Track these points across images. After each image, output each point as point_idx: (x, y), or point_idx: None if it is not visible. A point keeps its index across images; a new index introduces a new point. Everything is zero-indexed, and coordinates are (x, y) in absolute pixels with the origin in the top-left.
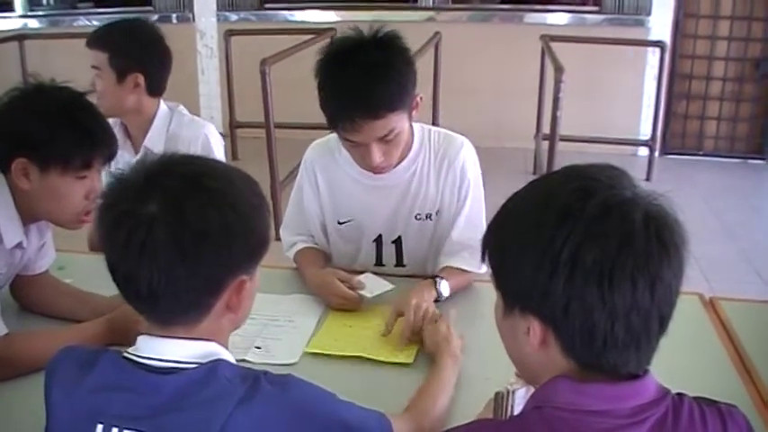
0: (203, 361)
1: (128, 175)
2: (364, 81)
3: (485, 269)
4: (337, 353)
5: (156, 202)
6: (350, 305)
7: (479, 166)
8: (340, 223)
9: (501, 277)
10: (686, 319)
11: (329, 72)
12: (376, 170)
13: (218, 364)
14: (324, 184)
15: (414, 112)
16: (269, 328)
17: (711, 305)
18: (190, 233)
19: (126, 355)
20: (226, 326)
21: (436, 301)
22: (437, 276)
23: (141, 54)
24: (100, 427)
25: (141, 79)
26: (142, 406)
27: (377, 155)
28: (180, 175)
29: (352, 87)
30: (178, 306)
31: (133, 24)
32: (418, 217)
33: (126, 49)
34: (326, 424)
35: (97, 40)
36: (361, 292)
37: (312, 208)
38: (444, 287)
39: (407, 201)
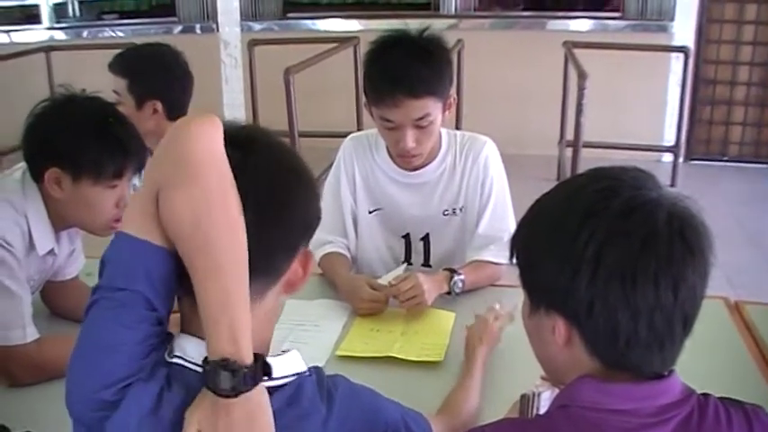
0: (290, 374)
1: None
2: (409, 63)
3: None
4: (368, 355)
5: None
6: (377, 308)
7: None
8: (370, 212)
9: (527, 276)
10: (711, 322)
11: (377, 55)
12: (407, 156)
13: (304, 380)
14: (359, 173)
15: (447, 112)
16: (295, 332)
17: (736, 308)
18: (287, 175)
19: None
20: (277, 310)
21: (448, 294)
22: (456, 272)
23: (160, 82)
24: None
25: (159, 106)
26: None
27: (410, 139)
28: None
29: (398, 67)
30: (260, 262)
31: (154, 50)
32: (446, 213)
33: (145, 76)
34: (391, 424)
35: (118, 65)
36: (380, 281)
37: (346, 195)
38: (459, 284)
39: (436, 198)
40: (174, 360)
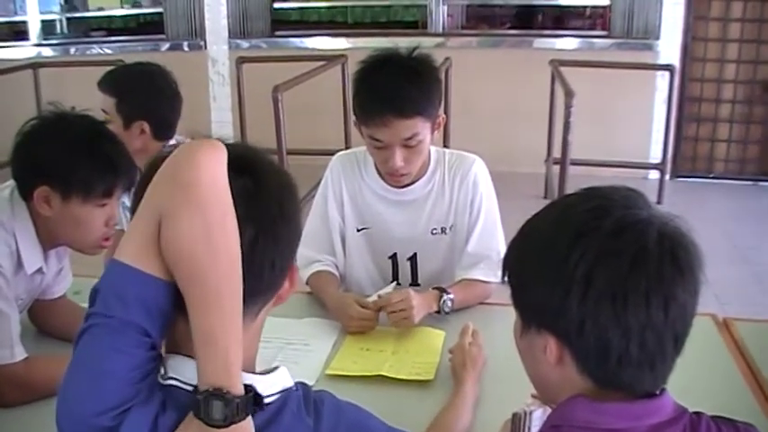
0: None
1: None
2: (398, 83)
3: (500, 279)
4: (358, 374)
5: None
6: (367, 326)
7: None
8: (358, 230)
9: (518, 295)
10: (700, 339)
11: (366, 74)
12: (396, 174)
13: (289, 394)
14: (347, 191)
15: (435, 132)
16: (285, 351)
17: (725, 326)
18: (290, 195)
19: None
20: (263, 323)
21: (437, 313)
22: (445, 291)
23: (148, 102)
24: None
25: (147, 127)
26: None
27: (399, 158)
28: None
29: (388, 87)
30: (259, 283)
31: (143, 70)
32: (434, 232)
33: (133, 96)
34: None
35: (107, 83)
36: (370, 300)
37: (333, 215)
38: (448, 303)
39: (424, 216)
40: (169, 382)
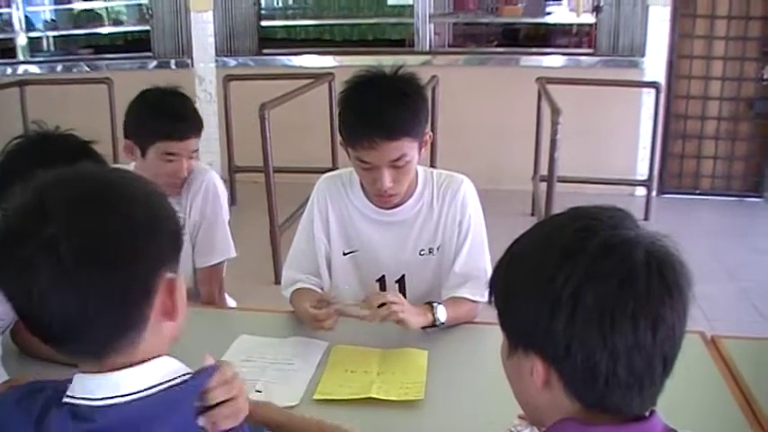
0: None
1: (13, 203)
2: (385, 105)
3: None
4: (347, 397)
5: (52, 223)
6: (323, 322)
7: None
8: (345, 254)
9: (505, 317)
10: (688, 357)
11: (352, 96)
12: (384, 195)
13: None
14: (333, 215)
15: (423, 150)
16: (268, 371)
17: (713, 343)
18: (96, 244)
19: (67, 401)
20: (166, 337)
21: (433, 326)
22: (434, 301)
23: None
24: None
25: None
26: None
27: (387, 179)
28: (70, 188)
29: (374, 109)
30: (112, 329)
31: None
32: (422, 252)
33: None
34: None
35: (197, 125)
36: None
37: (320, 237)
38: (441, 312)
39: (412, 237)
40: None
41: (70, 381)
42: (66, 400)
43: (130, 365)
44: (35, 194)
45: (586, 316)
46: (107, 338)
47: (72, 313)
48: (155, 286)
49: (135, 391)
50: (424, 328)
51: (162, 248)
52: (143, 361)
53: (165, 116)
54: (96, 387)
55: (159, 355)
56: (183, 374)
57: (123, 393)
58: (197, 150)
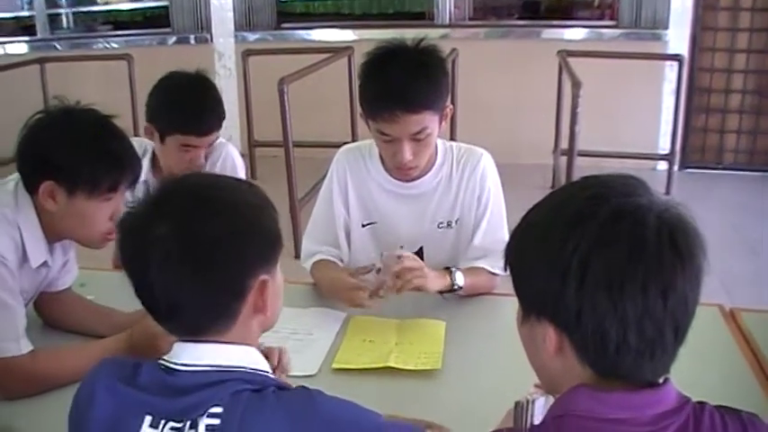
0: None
1: (139, 201)
2: (406, 77)
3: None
4: (365, 366)
5: (166, 222)
6: (358, 296)
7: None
8: (363, 225)
9: (518, 284)
10: (706, 329)
11: (374, 68)
12: (404, 168)
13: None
14: (352, 186)
15: (443, 123)
16: (288, 341)
17: (732, 316)
18: (199, 245)
19: (162, 362)
20: (255, 328)
21: (451, 290)
22: (453, 267)
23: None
24: (148, 418)
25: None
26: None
27: (408, 152)
28: (183, 193)
29: (395, 82)
30: (205, 316)
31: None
32: (440, 226)
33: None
34: None
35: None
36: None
37: (339, 209)
38: (459, 277)
39: (431, 210)
40: None
41: None
42: (160, 360)
43: (221, 343)
44: (156, 195)
45: (596, 282)
46: (200, 323)
47: (172, 299)
48: (247, 287)
49: (213, 364)
50: (441, 292)
51: (259, 253)
52: (231, 343)
53: (185, 111)
54: (183, 352)
55: (249, 344)
56: (254, 369)
57: (203, 364)
58: (217, 138)
